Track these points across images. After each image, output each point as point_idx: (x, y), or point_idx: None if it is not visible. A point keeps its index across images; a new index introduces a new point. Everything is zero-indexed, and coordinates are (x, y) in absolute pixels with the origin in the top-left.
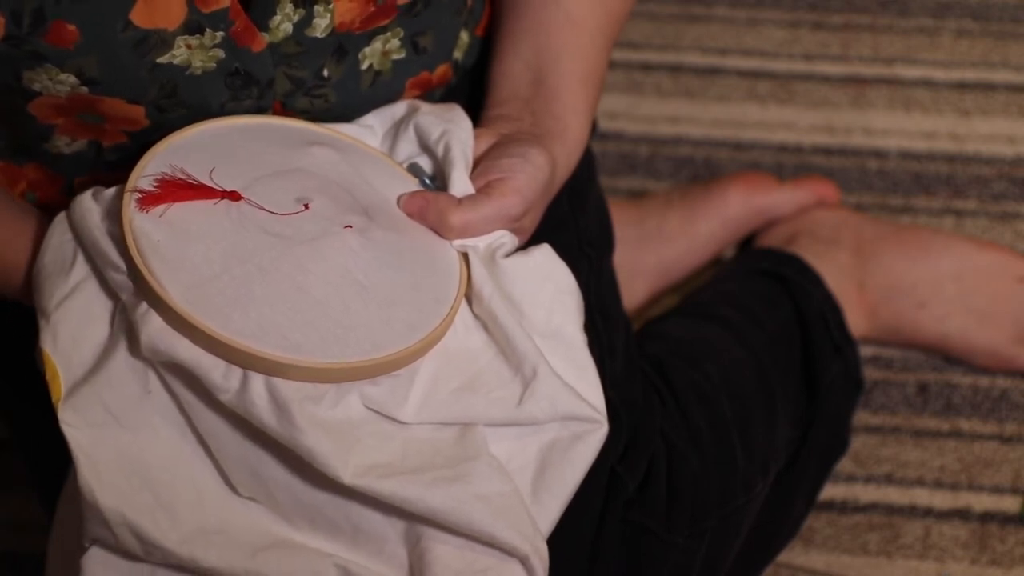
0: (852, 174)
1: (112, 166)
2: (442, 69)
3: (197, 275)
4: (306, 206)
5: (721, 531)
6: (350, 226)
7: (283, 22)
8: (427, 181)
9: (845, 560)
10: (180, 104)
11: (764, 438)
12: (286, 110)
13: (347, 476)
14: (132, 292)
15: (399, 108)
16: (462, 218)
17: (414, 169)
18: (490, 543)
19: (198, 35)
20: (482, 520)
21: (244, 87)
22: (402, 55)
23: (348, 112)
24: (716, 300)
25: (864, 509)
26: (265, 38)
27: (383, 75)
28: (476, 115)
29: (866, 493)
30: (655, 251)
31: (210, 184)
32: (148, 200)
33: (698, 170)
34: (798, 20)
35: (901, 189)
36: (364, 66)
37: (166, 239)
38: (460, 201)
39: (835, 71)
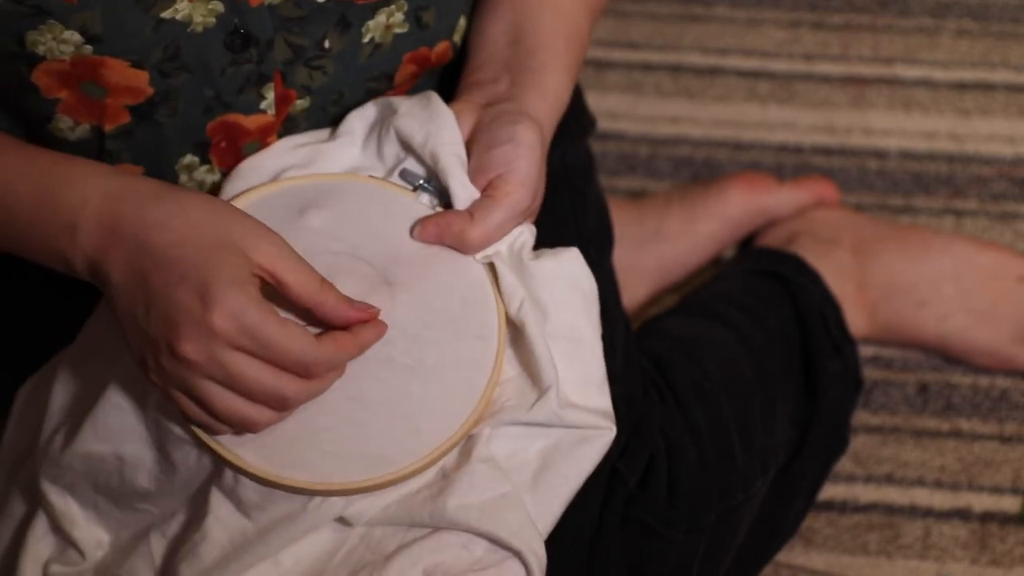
0: (852, 174)
1: (114, 156)
2: (442, 47)
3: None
4: None
5: (720, 528)
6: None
7: None
8: (422, 183)
9: (845, 560)
10: (183, 68)
11: (763, 436)
12: (286, 87)
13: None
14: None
15: (369, 110)
16: (480, 232)
17: (406, 176)
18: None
19: None
20: (467, 526)
21: (244, 48)
22: (405, 29)
23: (345, 86)
24: (716, 299)
25: (864, 509)
26: None
27: (383, 48)
28: None
29: (866, 493)
30: (655, 251)
31: None
32: None
33: (698, 170)
34: (798, 20)
35: (901, 189)
36: (366, 39)
37: None
38: (472, 215)
39: (835, 71)
